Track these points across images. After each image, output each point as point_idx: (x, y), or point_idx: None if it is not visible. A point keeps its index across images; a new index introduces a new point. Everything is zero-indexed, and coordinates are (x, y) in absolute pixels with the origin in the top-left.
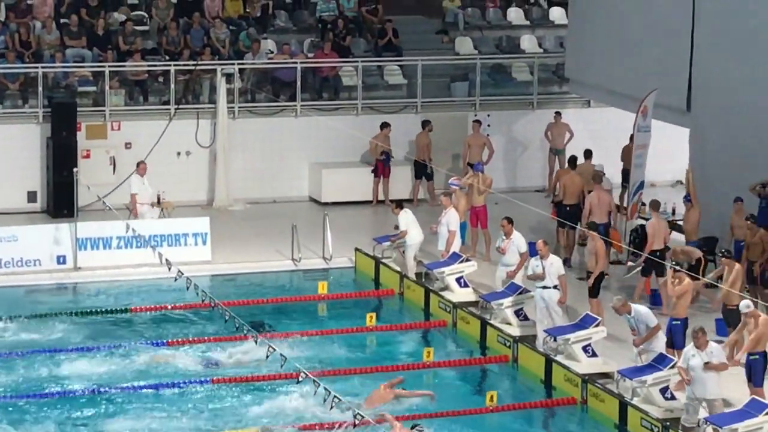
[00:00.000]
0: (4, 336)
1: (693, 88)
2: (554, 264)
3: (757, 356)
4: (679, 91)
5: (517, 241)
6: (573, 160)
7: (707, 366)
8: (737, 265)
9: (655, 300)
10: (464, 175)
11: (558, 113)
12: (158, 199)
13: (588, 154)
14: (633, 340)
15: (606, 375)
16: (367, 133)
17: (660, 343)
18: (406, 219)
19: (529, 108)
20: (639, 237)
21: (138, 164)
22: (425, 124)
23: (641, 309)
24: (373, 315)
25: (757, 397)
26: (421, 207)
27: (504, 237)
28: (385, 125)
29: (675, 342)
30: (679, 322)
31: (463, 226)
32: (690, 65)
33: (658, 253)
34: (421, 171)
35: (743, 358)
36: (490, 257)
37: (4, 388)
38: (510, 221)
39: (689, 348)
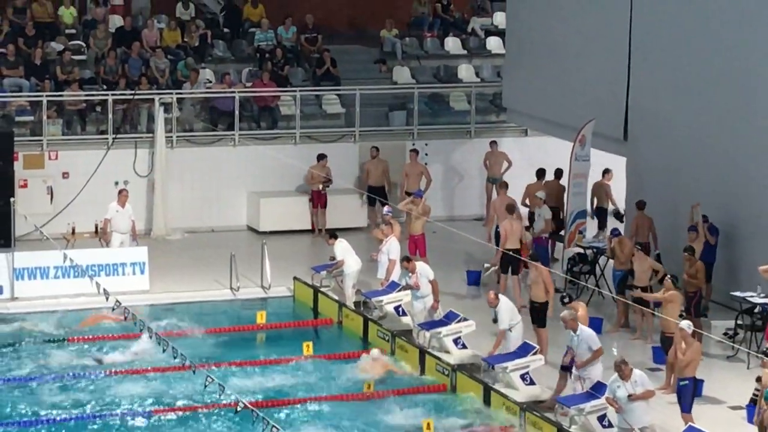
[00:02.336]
0: None
1: (629, 117)
2: (422, 272)
3: (686, 382)
4: (616, 120)
5: (423, 271)
6: (541, 172)
7: (632, 397)
8: (677, 293)
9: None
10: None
11: (494, 142)
12: (72, 230)
13: (558, 173)
14: (563, 359)
15: (543, 402)
16: (305, 162)
17: (597, 370)
18: (342, 248)
19: (467, 137)
20: (576, 264)
21: (120, 192)
22: (373, 150)
23: (587, 330)
24: (310, 344)
25: (693, 425)
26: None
27: (410, 274)
28: (322, 156)
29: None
30: (687, 382)
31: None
32: (627, 94)
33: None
34: (377, 197)
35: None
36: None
37: None
38: (408, 259)
39: (614, 378)
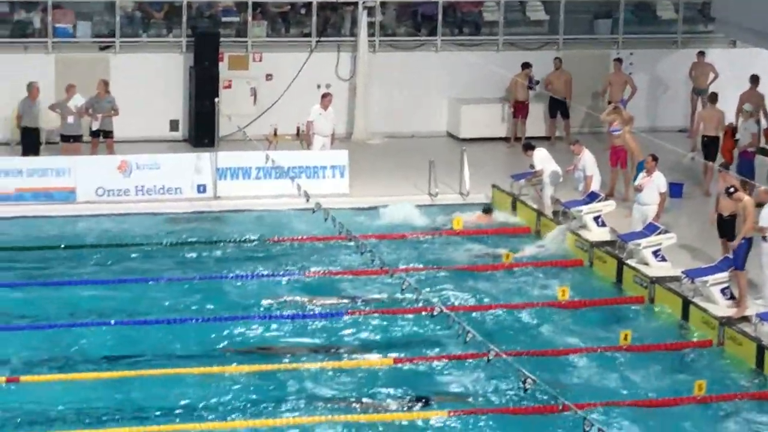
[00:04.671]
0: (148, 262)
1: None
2: (655, 181)
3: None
4: None
5: (658, 180)
6: (714, 97)
7: None
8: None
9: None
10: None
11: (701, 53)
12: (275, 132)
13: (714, 98)
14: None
15: (745, 319)
16: (507, 70)
17: None
18: (541, 157)
19: (673, 47)
20: None
21: (323, 95)
22: (557, 61)
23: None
24: (510, 253)
25: None
26: (558, 145)
27: (645, 174)
28: (526, 65)
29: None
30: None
31: (639, 167)
32: None
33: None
34: (557, 109)
35: None
36: (629, 197)
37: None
38: (655, 158)
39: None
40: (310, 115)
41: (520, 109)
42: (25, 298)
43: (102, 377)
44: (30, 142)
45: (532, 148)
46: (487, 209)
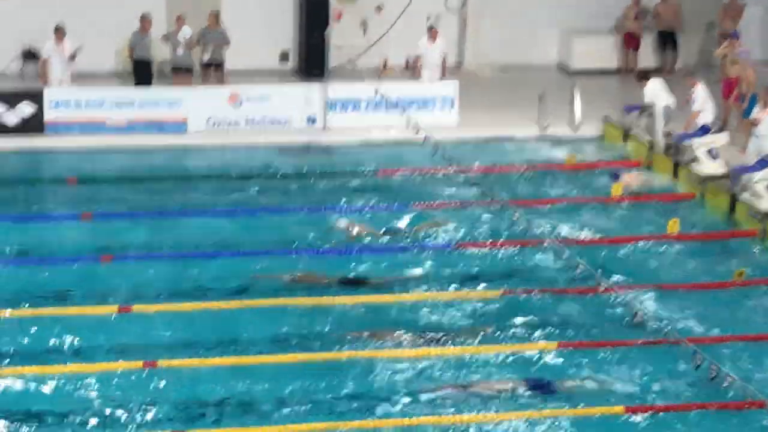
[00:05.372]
0: (258, 193)
1: None
2: None
3: None
4: None
5: None
6: None
7: None
8: None
9: None
10: (719, 45)
11: None
12: (384, 63)
13: None
14: None
15: None
16: (620, 0)
17: None
18: (654, 89)
19: None
20: None
21: (429, 28)
22: None
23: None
24: (620, 185)
25: None
26: (668, 79)
27: (762, 107)
28: None
29: None
30: None
31: (752, 100)
32: None
33: None
34: (666, 41)
35: None
36: (743, 129)
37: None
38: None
39: None
40: (419, 49)
41: (630, 41)
42: (134, 229)
43: (210, 307)
44: (142, 73)
45: (647, 77)
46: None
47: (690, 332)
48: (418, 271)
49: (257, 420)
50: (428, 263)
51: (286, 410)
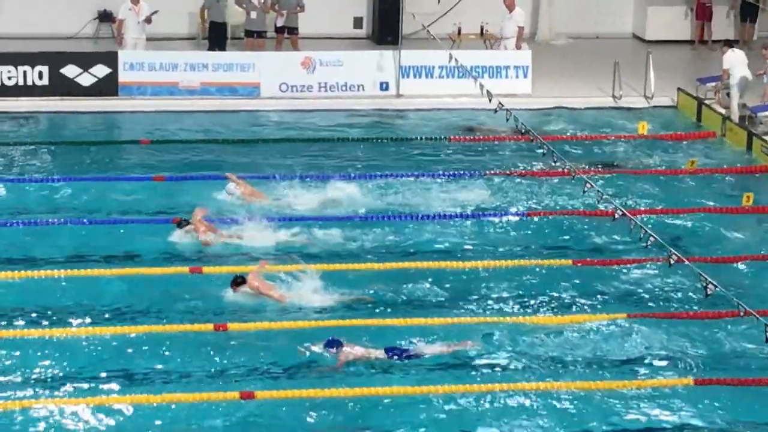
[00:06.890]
0: (330, 158)
1: None
2: None
3: None
4: None
5: None
6: None
7: None
8: None
9: None
10: None
11: None
12: (458, 31)
13: None
14: None
15: None
16: None
17: None
18: (731, 58)
19: None
20: None
21: None
22: None
23: None
24: (695, 160)
25: None
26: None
27: None
28: None
29: None
30: None
31: None
32: None
33: None
34: (748, 12)
35: None
36: None
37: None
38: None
39: None
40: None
41: (703, 11)
42: (198, 192)
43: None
44: (216, 36)
45: (731, 45)
46: None
47: (761, 305)
48: (486, 240)
49: None
50: (496, 231)
51: None
